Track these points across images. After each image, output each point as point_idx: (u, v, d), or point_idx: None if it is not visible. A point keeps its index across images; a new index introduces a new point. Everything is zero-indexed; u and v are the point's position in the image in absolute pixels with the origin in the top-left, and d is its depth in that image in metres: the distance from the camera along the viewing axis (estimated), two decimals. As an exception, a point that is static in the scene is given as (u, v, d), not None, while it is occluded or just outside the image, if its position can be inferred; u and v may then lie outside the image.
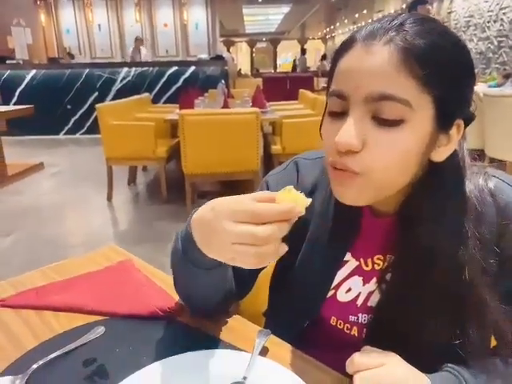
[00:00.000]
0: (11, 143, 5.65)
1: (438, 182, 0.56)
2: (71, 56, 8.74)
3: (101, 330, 0.67)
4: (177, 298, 0.72)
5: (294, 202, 0.47)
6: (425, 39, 0.49)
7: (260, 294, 0.85)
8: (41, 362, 0.59)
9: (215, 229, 0.49)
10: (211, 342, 0.64)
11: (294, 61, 16.44)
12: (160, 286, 0.78)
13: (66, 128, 7.21)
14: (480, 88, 4.71)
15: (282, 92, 7.50)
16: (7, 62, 7.17)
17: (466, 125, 0.55)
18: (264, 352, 0.61)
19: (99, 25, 9.77)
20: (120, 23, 9.79)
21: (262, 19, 18.49)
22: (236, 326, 0.68)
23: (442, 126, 0.53)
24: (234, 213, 0.47)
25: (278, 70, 19.49)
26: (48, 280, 0.82)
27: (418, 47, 0.49)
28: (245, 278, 0.71)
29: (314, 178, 0.70)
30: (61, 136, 7.22)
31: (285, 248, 0.49)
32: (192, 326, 0.67)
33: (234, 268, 0.68)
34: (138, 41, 8.34)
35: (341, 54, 0.54)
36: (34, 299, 0.75)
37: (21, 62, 7.63)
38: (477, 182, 0.58)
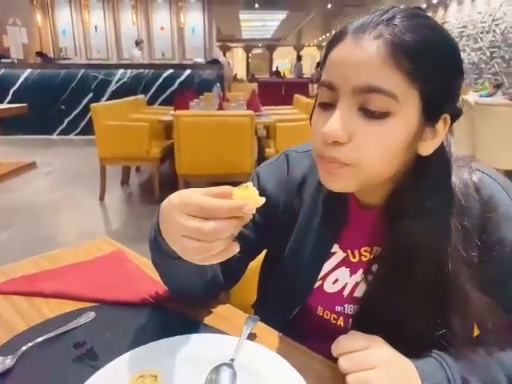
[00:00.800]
0: (4, 142, 5.63)
1: (424, 175, 0.57)
2: (44, 55, 8.56)
3: (91, 315, 0.68)
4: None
5: (248, 199, 0.47)
6: (414, 34, 0.50)
7: (249, 287, 0.86)
8: (30, 344, 0.60)
9: (169, 220, 0.49)
10: (200, 327, 0.65)
11: (277, 67, 16.83)
12: (150, 276, 0.79)
13: (60, 128, 7.18)
14: (471, 97, 4.79)
15: (278, 97, 7.54)
16: (2, 60, 7.14)
17: (453, 120, 0.56)
18: (252, 337, 0.62)
19: (96, 26, 9.77)
20: (116, 25, 9.80)
21: (259, 25, 18.58)
22: (225, 314, 0.69)
23: (428, 120, 0.54)
24: (186, 205, 0.47)
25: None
26: (40, 269, 0.83)
27: (406, 42, 0.50)
28: (232, 268, 0.72)
29: (303, 170, 0.72)
30: (54, 136, 7.18)
31: (236, 247, 0.48)
32: (181, 313, 0.68)
33: None
34: (141, 43, 8.81)
35: (332, 45, 0.55)
36: (24, 286, 0.75)
37: (15, 61, 7.59)
38: (462, 175, 0.60)
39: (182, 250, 0.49)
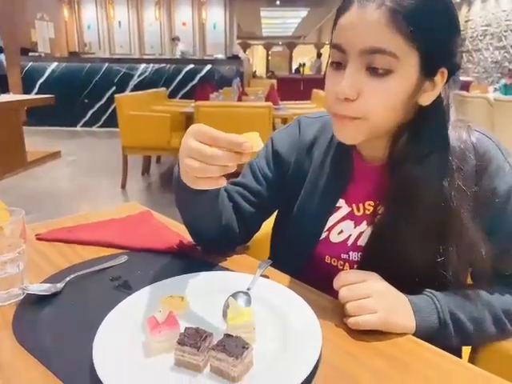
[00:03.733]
0: (31, 133, 5.84)
1: (423, 124, 0.65)
2: (75, 54, 8.93)
3: (124, 258, 0.77)
4: (190, 239, 0.82)
5: (250, 140, 0.53)
6: (412, 0, 0.57)
7: (262, 252, 0.94)
8: (73, 276, 0.69)
9: (182, 144, 0.58)
10: (218, 269, 0.74)
11: (299, 64, 16.93)
12: (176, 231, 0.88)
13: (83, 120, 7.40)
14: (491, 94, 4.76)
15: (296, 93, 7.59)
16: (30, 54, 7.38)
17: (451, 73, 0.63)
18: (265, 277, 0.70)
19: (119, 22, 9.98)
20: (140, 21, 9.99)
21: (279, 23, 18.60)
22: (241, 260, 0.78)
23: (426, 74, 0.61)
24: (198, 132, 0.56)
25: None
26: (77, 224, 0.93)
27: (405, 7, 0.57)
28: (247, 222, 0.81)
29: (314, 132, 0.80)
30: (78, 128, 7.41)
31: (223, 181, 0.56)
32: (202, 258, 0.78)
33: (236, 208, 0.79)
34: (176, 39, 9.13)
35: (340, 12, 0.63)
36: (65, 235, 0.85)
37: (43, 54, 7.84)
38: (461, 134, 0.67)
39: (186, 170, 0.57)
